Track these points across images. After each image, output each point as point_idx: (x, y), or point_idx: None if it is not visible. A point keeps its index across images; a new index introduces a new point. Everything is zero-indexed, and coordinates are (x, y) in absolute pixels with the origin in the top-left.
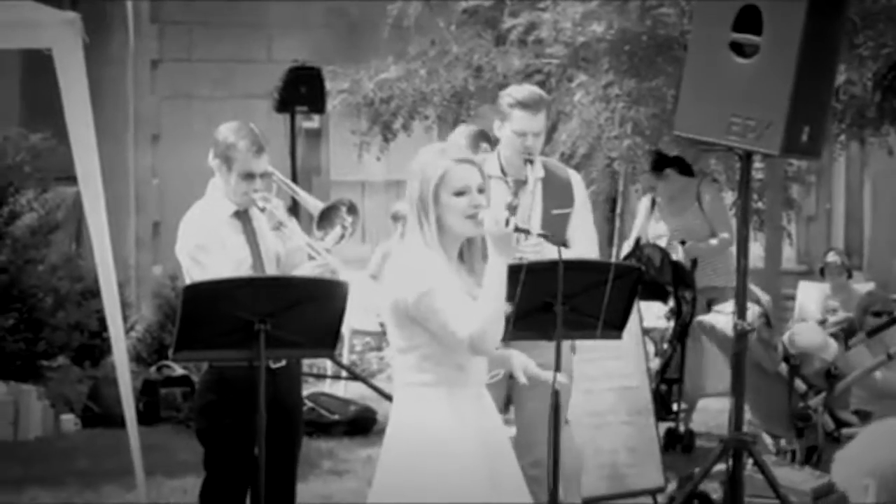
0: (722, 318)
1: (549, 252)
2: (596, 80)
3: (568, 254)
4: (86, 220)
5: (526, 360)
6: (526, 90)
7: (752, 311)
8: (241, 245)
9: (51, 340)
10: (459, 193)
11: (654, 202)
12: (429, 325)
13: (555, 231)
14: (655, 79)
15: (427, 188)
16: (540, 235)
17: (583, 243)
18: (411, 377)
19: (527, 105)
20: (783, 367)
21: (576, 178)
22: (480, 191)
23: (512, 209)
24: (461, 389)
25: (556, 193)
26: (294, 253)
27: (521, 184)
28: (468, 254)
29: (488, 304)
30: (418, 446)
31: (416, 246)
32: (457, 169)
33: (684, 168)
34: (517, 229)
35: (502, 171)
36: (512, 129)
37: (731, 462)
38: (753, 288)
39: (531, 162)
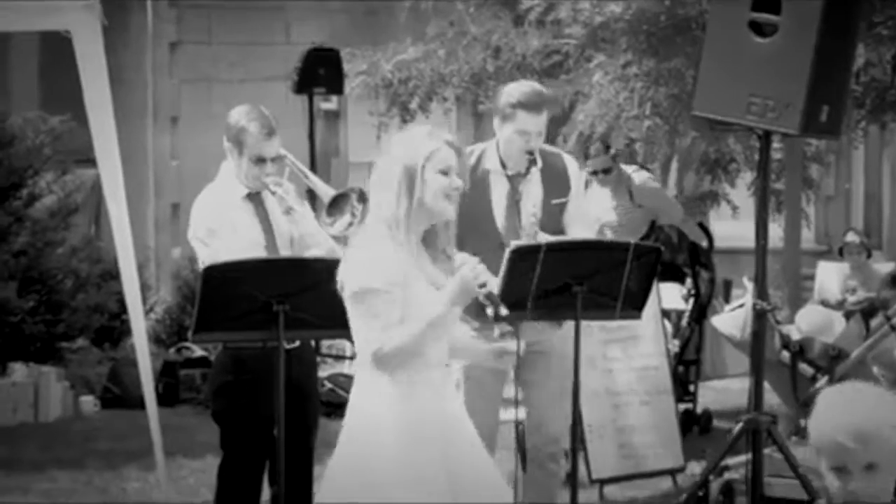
0: (727, 317)
1: None
2: (614, 60)
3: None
4: (105, 202)
5: (488, 346)
6: (527, 88)
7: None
8: (254, 227)
9: (71, 322)
10: (444, 172)
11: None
12: (356, 320)
13: (555, 220)
14: (674, 59)
15: (416, 165)
16: (501, 318)
17: (577, 230)
18: (368, 359)
19: (529, 106)
20: (784, 355)
21: (571, 164)
22: (458, 176)
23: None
24: (419, 373)
25: (555, 183)
26: (307, 237)
27: (520, 177)
28: (430, 240)
29: (412, 331)
30: (372, 434)
31: (381, 233)
32: (445, 149)
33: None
34: (486, 297)
35: (502, 164)
36: (515, 129)
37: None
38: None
39: (535, 162)
